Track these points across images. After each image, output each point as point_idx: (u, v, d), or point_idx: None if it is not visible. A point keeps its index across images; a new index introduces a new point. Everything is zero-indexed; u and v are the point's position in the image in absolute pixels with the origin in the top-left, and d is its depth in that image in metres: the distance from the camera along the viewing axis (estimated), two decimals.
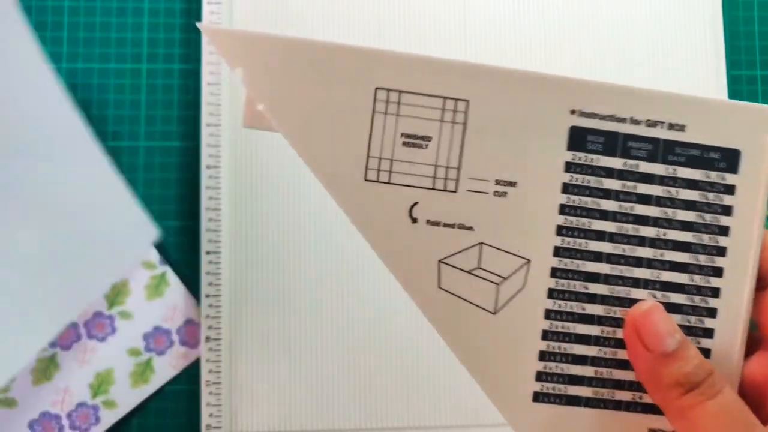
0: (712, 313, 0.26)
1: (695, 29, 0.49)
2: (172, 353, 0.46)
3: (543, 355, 0.26)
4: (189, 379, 0.46)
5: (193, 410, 0.46)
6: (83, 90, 0.48)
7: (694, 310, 0.26)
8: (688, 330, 0.26)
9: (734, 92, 0.49)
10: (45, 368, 0.45)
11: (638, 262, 0.25)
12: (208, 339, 0.45)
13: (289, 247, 0.46)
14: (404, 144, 0.24)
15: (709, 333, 0.26)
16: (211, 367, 0.45)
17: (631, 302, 0.26)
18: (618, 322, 0.26)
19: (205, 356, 0.45)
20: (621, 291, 0.26)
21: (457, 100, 0.24)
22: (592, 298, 0.26)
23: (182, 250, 0.47)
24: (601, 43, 0.48)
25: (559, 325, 0.26)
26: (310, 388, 0.45)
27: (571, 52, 0.48)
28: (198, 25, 0.25)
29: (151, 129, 0.48)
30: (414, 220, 0.24)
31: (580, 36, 0.48)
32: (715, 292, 0.26)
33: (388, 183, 0.24)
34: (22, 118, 0.37)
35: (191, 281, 0.46)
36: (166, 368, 0.46)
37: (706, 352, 0.26)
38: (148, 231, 0.42)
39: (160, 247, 0.46)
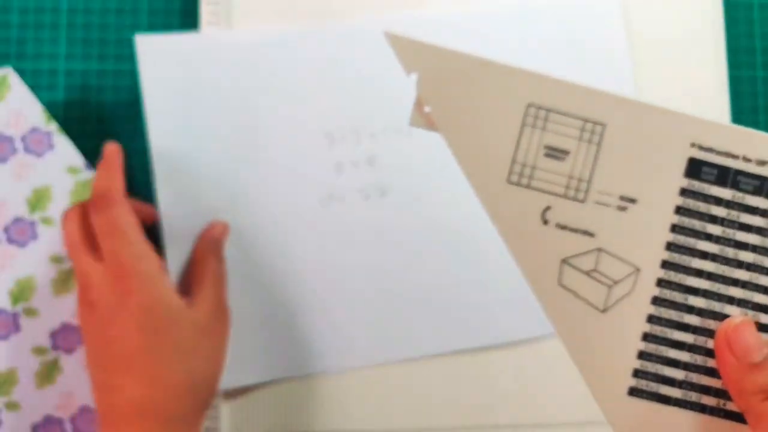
0: None
1: (695, 29, 0.49)
2: None
3: (641, 354, 0.29)
4: None
5: None
6: (82, 90, 0.48)
7: None
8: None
9: (735, 93, 0.49)
10: (48, 372, 0.45)
11: (735, 282, 0.29)
12: None
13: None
14: (546, 155, 0.27)
15: None
16: None
17: (724, 317, 0.29)
18: (710, 334, 0.29)
19: None
20: (716, 306, 0.29)
21: (595, 123, 0.27)
22: (690, 309, 0.29)
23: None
24: None
25: (659, 330, 0.29)
26: (310, 389, 0.45)
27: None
28: (384, 33, 0.27)
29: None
30: (545, 222, 0.28)
31: None
32: None
33: (528, 187, 0.27)
34: None
35: None
36: None
37: None
38: None
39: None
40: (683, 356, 0.29)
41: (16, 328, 0.45)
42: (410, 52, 0.27)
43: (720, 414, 0.29)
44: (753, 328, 0.28)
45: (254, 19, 0.47)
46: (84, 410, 0.45)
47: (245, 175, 0.45)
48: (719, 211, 0.28)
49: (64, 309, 0.45)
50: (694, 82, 0.48)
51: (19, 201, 0.45)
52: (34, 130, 0.46)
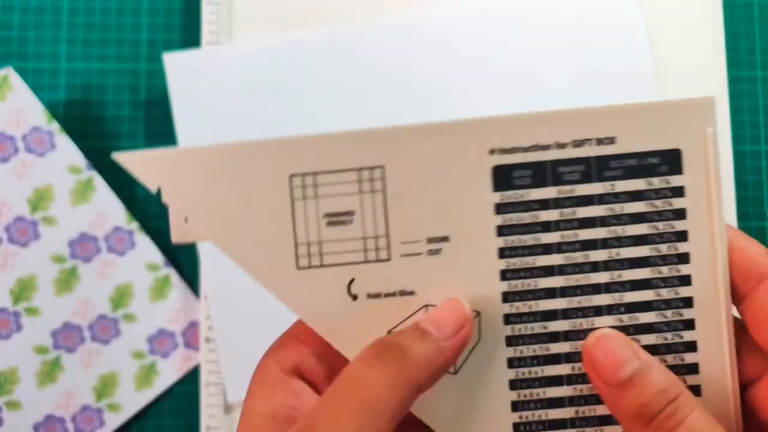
0: (689, 324, 0.24)
1: (695, 29, 0.49)
2: (177, 356, 0.46)
3: (516, 406, 0.24)
4: (189, 379, 0.46)
5: (193, 411, 0.46)
6: (83, 90, 0.48)
7: (669, 326, 0.24)
8: (668, 348, 0.24)
9: (734, 92, 0.49)
10: (50, 371, 0.45)
11: (596, 288, 0.24)
12: (207, 340, 0.45)
13: None
14: (329, 224, 0.23)
15: (691, 347, 0.24)
16: (211, 368, 0.45)
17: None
18: None
19: (205, 357, 0.45)
20: (584, 323, 0.24)
21: (371, 168, 0.23)
22: (555, 337, 0.24)
23: (185, 252, 0.47)
24: None
25: (526, 372, 0.24)
26: None
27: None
28: (114, 156, 0.24)
29: (151, 129, 0.48)
30: (354, 297, 0.24)
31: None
32: (688, 302, 0.24)
33: (321, 266, 0.23)
34: None
35: (194, 283, 0.46)
36: (170, 371, 0.46)
37: (693, 367, 0.24)
38: None
39: (165, 249, 0.46)
40: (566, 391, 0.24)
41: (18, 327, 0.45)
42: (148, 167, 0.24)
43: None
44: (616, 340, 0.23)
45: (254, 19, 0.47)
46: (85, 409, 0.45)
47: None
48: (549, 215, 0.24)
49: (66, 308, 0.45)
50: (694, 82, 0.48)
51: (20, 200, 0.46)
52: (35, 129, 0.46)
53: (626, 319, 0.24)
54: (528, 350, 0.24)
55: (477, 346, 0.24)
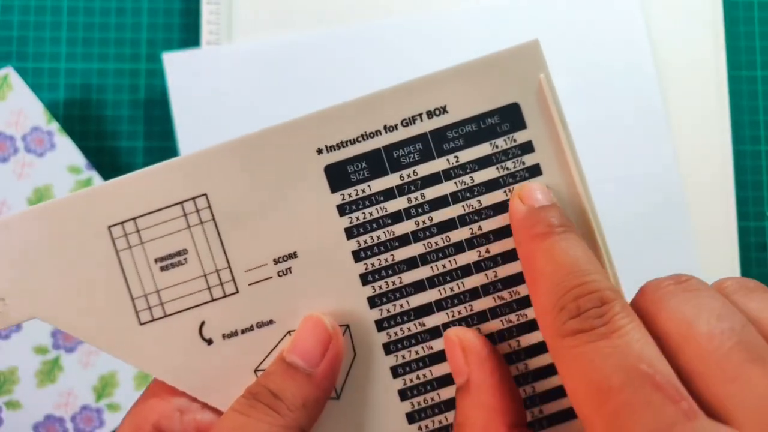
0: None
1: (695, 29, 0.49)
2: None
3: (412, 417, 0.22)
4: None
5: None
6: (82, 90, 0.48)
7: None
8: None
9: (735, 92, 0.49)
10: (49, 371, 0.45)
11: (466, 270, 0.22)
12: None
13: None
14: (162, 269, 0.21)
15: None
16: None
17: (479, 317, 0.22)
18: None
19: None
20: (462, 310, 0.22)
21: (193, 198, 0.21)
22: (435, 333, 0.22)
23: None
24: None
25: (413, 377, 0.22)
26: None
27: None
28: None
29: (150, 129, 0.48)
30: (209, 342, 0.21)
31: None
32: None
33: (165, 316, 0.21)
34: None
35: None
36: None
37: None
38: None
39: None
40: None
41: (17, 327, 0.45)
42: None
43: None
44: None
45: (254, 19, 0.47)
46: (84, 409, 0.45)
47: None
48: (398, 204, 0.22)
49: None
50: (694, 82, 0.48)
51: (19, 200, 0.45)
52: (35, 129, 0.46)
53: (506, 295, 0.22)
54: (410, 354, 0.22)
55: (354, 362, 0.22)
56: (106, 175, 0.46)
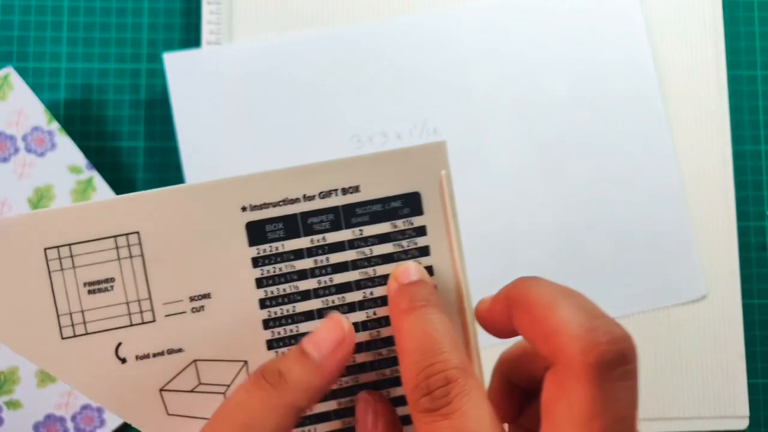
0: None
1: (695, 29, 0.49)
2: None
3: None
4: None
5: None
6: (83, 90, 0.48)
7: None
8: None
9: (734, 92, 0.49)
10: None
11: (355, 328, 0.25)
12: None
13: None
14: (90, 292, 0.24)
15: None
16: None
17: (360, 367, 0.26)
18: (353, 391, 0.26)
19: None
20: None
21: (127, 234, 0.24)
22: None
23: None
24: None
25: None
26: None
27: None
28: None
29: (151, 129, 0.48)
30: (123, 360, 0.24)
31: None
32: None
33: (86, 334, 0.24)
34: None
35: None
36: None
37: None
38: (698, 285, 0.47)
39: None
40: (336, 425, 0.26)
41: None
42: None
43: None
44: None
45: (254, 19, 0.47)
46: (85, 409, 0.45)
47: None
48: (305, 264, 0.25)
49: None
50: (694, 82, 0.48)
51: (20, 200, 0.46)
52: (35, 129, 0.46)
53: (385, 352, 0.26)
54: None
55: None
56: (107, 175, 0.47)
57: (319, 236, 0.25)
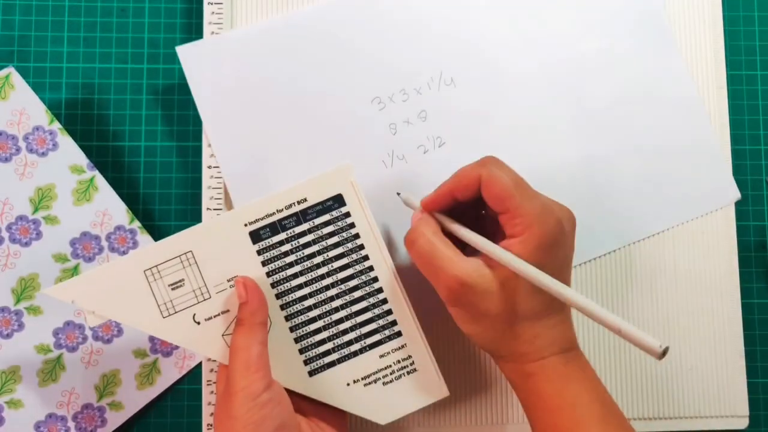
0: (384, 301, 0.42)
1: (695, 29, 0.49)
2: (178, 354, 0.47)
3: (302, 351, 0.42)
4: (190, 378, 0.47)
5: (195, 409, 0.46)
6: (84, 89, 0.48)
7: (374, 306, 0.42)
8: (373, 312, 0.42)
9: (734, 92, 0.50)
10: (51, 370, 0.45)
11: (319, 278, 0.42)
12: None
13: None
14: (172, 289, 0.41)
15: (389, 311, 0.42)
16: (213, 366, 0.45)
17: (335, 315, 0.42)
18: (331, 306, 0.42)
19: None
20: (317, 292, 0.42)
21: (186, 253, 0.41)
22: (312, 307, 0.42)
23: None
24: None
25: (302, 331, 0.42)
26: None
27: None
28: (45, 292, 0.40)
29: (152, 128, 0.48)
30: (198, 323, 0.41)
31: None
32: (380, 290, 0.42)
33: (176, 313, 0.41)
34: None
35: None
36: (171, 369, 0.46)
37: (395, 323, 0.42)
38: (730, 190, 0.49)
39: None
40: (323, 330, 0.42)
41: (19, 326, 0.45)
42: (67, 289, 0.40)
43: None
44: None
45: (256, 19, 0.47)
46: (86, 408, 0.45)
47: (303, 151, 0.47)
48: (286, 247, 0.42)
49: (67, 308, 0.46)
50: (694, 82, 0.48)
51: (22, 200, 0.46)
52: (37, 129, 0.46)
53: (348, 298, 0.42)
54: (299, 320, 0.42)
55: (271, 327, 0.42)
56: (108, 174, 0.47)
57: (290, 230, 0.42)
